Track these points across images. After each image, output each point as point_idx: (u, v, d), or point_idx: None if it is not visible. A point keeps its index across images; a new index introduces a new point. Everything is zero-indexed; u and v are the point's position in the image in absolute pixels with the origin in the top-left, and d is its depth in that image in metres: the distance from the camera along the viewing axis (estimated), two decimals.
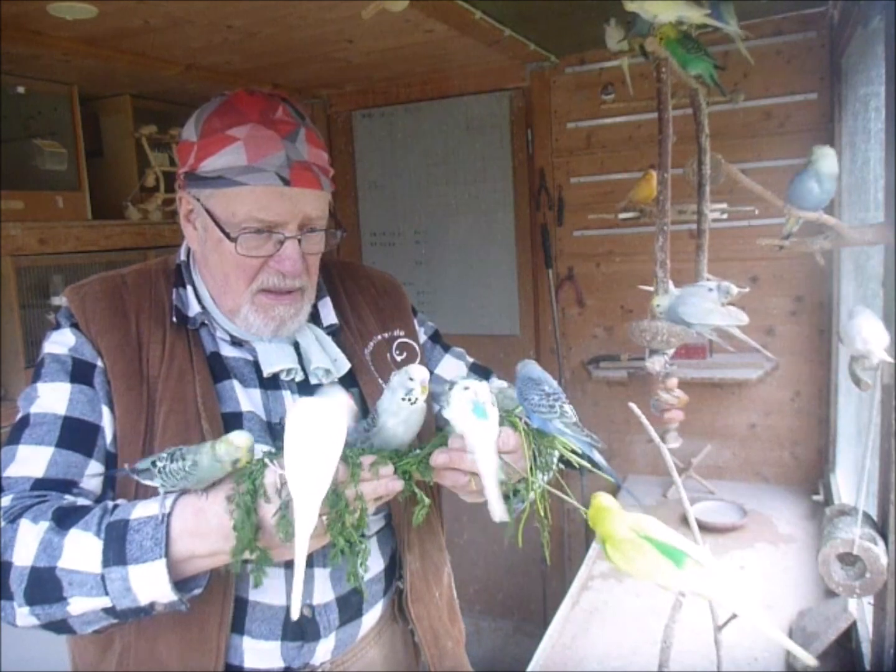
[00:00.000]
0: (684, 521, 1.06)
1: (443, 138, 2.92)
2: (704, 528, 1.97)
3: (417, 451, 0.98)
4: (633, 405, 1.07)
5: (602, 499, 0.96)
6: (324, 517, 0.86)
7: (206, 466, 0.88)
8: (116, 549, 0.89)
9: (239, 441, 0.89)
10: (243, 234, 1.04)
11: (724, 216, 1.80)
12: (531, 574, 3.04)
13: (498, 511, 0.94)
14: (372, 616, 1.17)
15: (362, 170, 3.10)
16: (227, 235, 1.04)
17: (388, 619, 1.21)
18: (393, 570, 1.20)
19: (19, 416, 1.03)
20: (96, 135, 2.68)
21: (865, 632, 1.40)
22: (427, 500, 0.97)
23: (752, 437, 2.54)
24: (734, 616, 0.98)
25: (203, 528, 0.90)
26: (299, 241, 1.06)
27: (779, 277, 2.43)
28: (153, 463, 0.91)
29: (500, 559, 3.09)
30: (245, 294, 1.08)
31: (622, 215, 2.02)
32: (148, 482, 0.92)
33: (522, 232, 2.87)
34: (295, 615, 0.84)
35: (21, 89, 2.25)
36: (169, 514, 0.90)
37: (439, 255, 3.03)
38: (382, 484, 0.91)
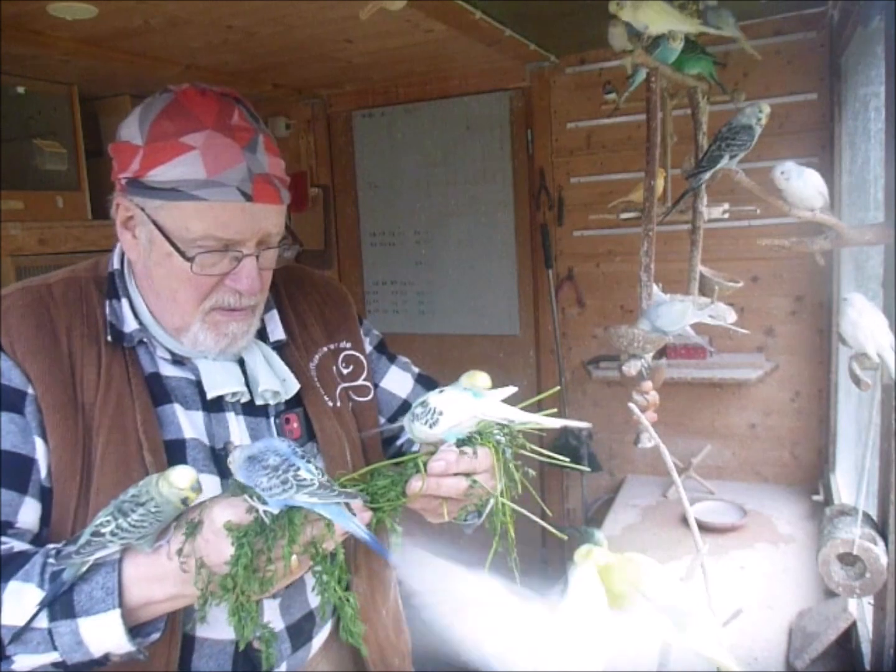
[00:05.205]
0: (684, 521, 1.06)
1: (443, 138, 2.92)
2: (704, 528, 1.97)
3: (387, 477, 0.94)
4: (632, 405, 1.07)
5: (598, 556, 0.90)
6: (295, 556, 0.82)
7: (164, 504, 0.81)
8: (63, 600, 0.82)
9: (181, 482, 0.80)
10: (200, 253, 0.95)
11: (727, 216, 1.81)
12: (531, 574, 3.04)
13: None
14: (320, 638, 1.13)
15: (362, 170, 3.10)
16: (183, 255, 0.95)
17: (335, 638, 1.15)
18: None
19: None
20: (96, 135, 2.68)
21: (865, 632, 1.40)
22: (399, 529, 0.92)
23: (752, 437, 2.54)
24: (735, 615, 0.98)
25: (159, 572, 0.83)
26: (256, 257, 0.99)
27: (779, 277, 2.43)
28: (95, 533, 0.81)
29: (502, 559, 3.08)
30: (196, 313, 1.00)
31: (623, 215, 2.02)
32: (101, 554, 0.82)
33: (522, 232, 2.87)
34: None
35: (21, 89, 2.26)
36: (120, 560, 0.84)
37: (439, 255, 3.03)
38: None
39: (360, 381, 1.19)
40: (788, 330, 2.44)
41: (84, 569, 0.83)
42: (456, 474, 0.91)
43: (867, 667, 1.28)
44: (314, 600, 1.08)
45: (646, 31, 1.25)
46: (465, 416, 0.91)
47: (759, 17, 2.28)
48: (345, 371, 1.18)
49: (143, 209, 0.97)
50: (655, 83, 1.32)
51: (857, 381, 1.11)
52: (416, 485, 0.90)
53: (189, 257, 0.95)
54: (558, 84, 2.68)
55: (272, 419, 1.07)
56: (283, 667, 1.06)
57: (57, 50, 2.01)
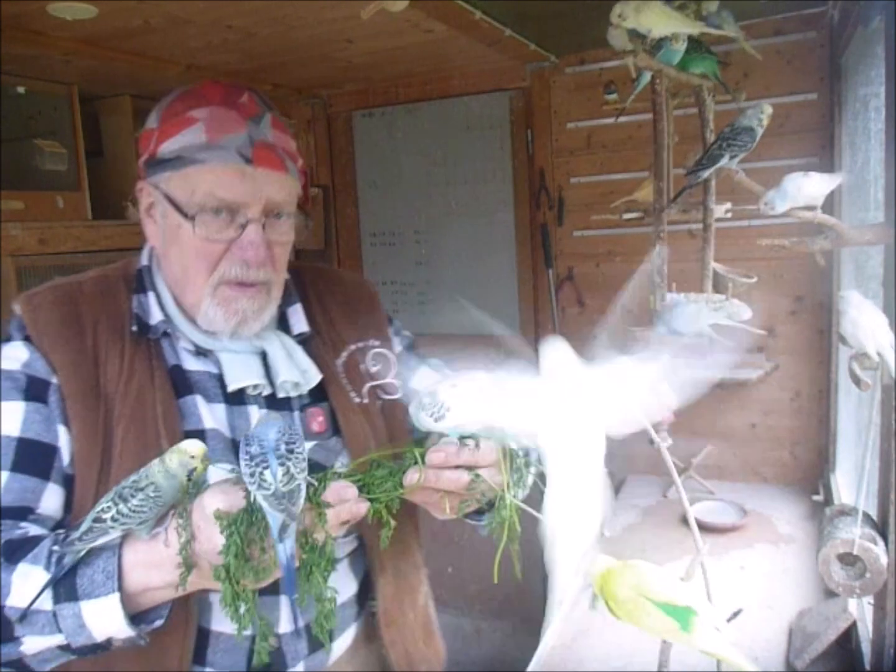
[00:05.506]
0: (684, 521, 1.06)
1: (443, 138, 2.92)
2: (704, 528, 1.97)
3: (385, 468, 0.91)
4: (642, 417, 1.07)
5: (599, 562, 0.88)
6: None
7: (166, 486, 0.81)
8: (67, 583, 0.84)
9: (192, 448, 0.82)
10: (202, 212, 0.98)
11: (729, 215, 1.81)
12: (531, 574, 3.04)
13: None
14: (343, 641, 1.11)
15: (362, 170, 3.10)
16: (185, 215, 0.98)
17: (361, 641, 1.15)
18: (365, 593, 1.14)
19: None
20: (96, 135, 2.68)
21: (865, 632, 1.40)
22: (393, 523, 0.89)
23: (752, 437, 2.54)
24: (735, 615, 0.98)
25: (156, 559, 0.84)
26: (263, 226, 1.01)
27: (779, 277, 2.43)
28: (97, 519, 0.83)
29: (501, 560, 3.08)
30: (206, 287, 1.01)
31: (626, 215, 2.03)
32: (103, 540, 0.84)
33: (522, 232, 2.87)
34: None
35: (21, 89, 2.25)
36: (120, 545, 0.85)
37: (439, 255, 3.03)
38: (346, 508, 0.84)
39: (388, 380, 1.19)
40: (788, 330, 2.44)
41: (83, 553, 0.85)
42: (457, 467, 0.88)
43: (867, 667, 1.28)
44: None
45: (649, 35, 1.25)
46: (471, 419, 0.89)
47: (759, 17, 2.27)
48: (373, 369, 1.18)
49: (157, 187, 1.02)
50: (660, 85, 1.33)
51: (857, 381, 1.11)
52: (412, 476, 0.88)
53: (191, 216, 0.98)
54: (558, 84, 2.68)
55: (296, 413, 1.08)
56: (301, 667, 1.05)
57: (57, 50, 2.00)
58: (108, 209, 2.57)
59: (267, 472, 0.79)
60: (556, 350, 0.87)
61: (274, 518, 0.79)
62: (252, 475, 0.79)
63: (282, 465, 0.79)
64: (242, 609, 0.82)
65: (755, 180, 1.33)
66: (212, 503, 0.81)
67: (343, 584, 1.10)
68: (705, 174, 1.34)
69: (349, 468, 0.95)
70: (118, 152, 2.69)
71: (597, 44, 2.42)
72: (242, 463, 0.81)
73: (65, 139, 2.39)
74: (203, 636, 0.99)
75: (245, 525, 0.80)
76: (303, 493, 0.80)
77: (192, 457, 0.82)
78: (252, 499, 0.80)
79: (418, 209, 3.02)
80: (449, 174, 2.94)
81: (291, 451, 0.81)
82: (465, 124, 2.88)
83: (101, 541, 0.84)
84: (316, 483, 0.85)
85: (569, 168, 2.71)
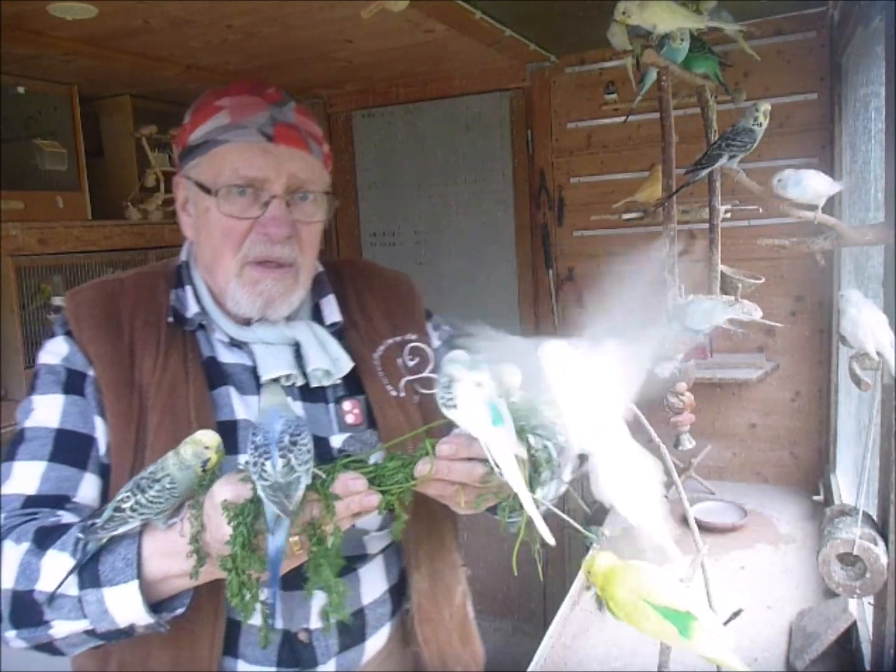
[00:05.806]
0: (684, 521, 1.06)
1: (443, 138, 2.92)
2: (704, 528, 1.97)
3: (398, 459, 0.89)
4: (632, 405, 1.07)
5: (601, 561, 0.88)
6: (295, 538, 0.81)
7: (181, 477, 0.82)
8: (91, 570, 0.86)
9: (207, 439, 0.83)
10: (226, 190, 1.01)
11: (729, 215, 1.81)
12: (531, 574, 3.04)
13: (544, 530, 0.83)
14: (377, 640, 1.10)
15: (362, 170, 3.10)
16: (209, 191, 1.01)
17: (396, 641, 1.13)
18: (401, 590, 1.13)
19: (17, 429, 1.00)
20: (96, 135, 2.68)
21: (865, 632, 1.40)
22: (405, 517, 0.88)
23: (752, 437, 2.54)
24: (735, 615, 0.98)
25: (173, 548, 0.86)
26: (288, 204, 1.03)
27: (779, 277, 2.43)
28: (117, 509, 0.84)
29: (501, 559, 3.08)
30: (232, 266, 1.03)
31: (626, 215, 2.03)
32: (123, 529, 0.85)
33: (522, 232, 2.87)
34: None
35: (21, 89, 2.25)
36: (141, 533, 0.87)
37: (439, 255, 3.03)
38: (356, 500, 0.82)
39: (426, 374, 1.18)
40: (788, 330, 2.44)
41: (104, 540, 0.87)
42: (471, 459, 0.86)
43: (867, 667, 1.28)
44: (367, 597, 1.07)
45: (654, 31, 1.25)
46: (474, 428, 0.86)
47: (759, 17, 2.27)
48: (410, 363, 1.18)
49: (189, 178, 1.05)
50: (667, 82, 1.33)
51: (857, 381, 1.11)
52: (423, 468, 0.85)
53: (215, 191, 1.01)
54: (558, 84, 2.68)
55: (331, 404, 1.09)
56: (332, 666, 1.05)
57: (57, 50, 2.00)
58: (107, 209, 2.57)
59: (268, 463, 0.78)
60: (555, 351, 0.87)
61: (271, 510, 0.79)
62: (255, 465, 0.79)
63: (283, 456, 0.79)
64: (248, 597, 0.82)
65: (755, 180, 1.33)
66: (221, 493, 0.82)
67: (376, 581, 1.10)
68: (703, 173, 1.34)
69: (366, 455, 0.95)
70: (118, 152, 2.69)
71: (597, 44, 2.42)
72: (248, 453, 0.81)
73: (65, 139, 2.39)
74: (234, 628, 1.00)
75: (252, 516, 0.80)
76: (301, 487, 0.79)
77: (207, 447, 0.82)
78: (259, 489, 0.81)
79: (418, 209, 3.02)
80: (449, 174, 2.94)
81: (295, 444, 0.80)
82: (465, 124, 2.88)
83: (121, 529, 0.86)
84: (324, 475, 0.83)
85: (569, 168, 2.71)
